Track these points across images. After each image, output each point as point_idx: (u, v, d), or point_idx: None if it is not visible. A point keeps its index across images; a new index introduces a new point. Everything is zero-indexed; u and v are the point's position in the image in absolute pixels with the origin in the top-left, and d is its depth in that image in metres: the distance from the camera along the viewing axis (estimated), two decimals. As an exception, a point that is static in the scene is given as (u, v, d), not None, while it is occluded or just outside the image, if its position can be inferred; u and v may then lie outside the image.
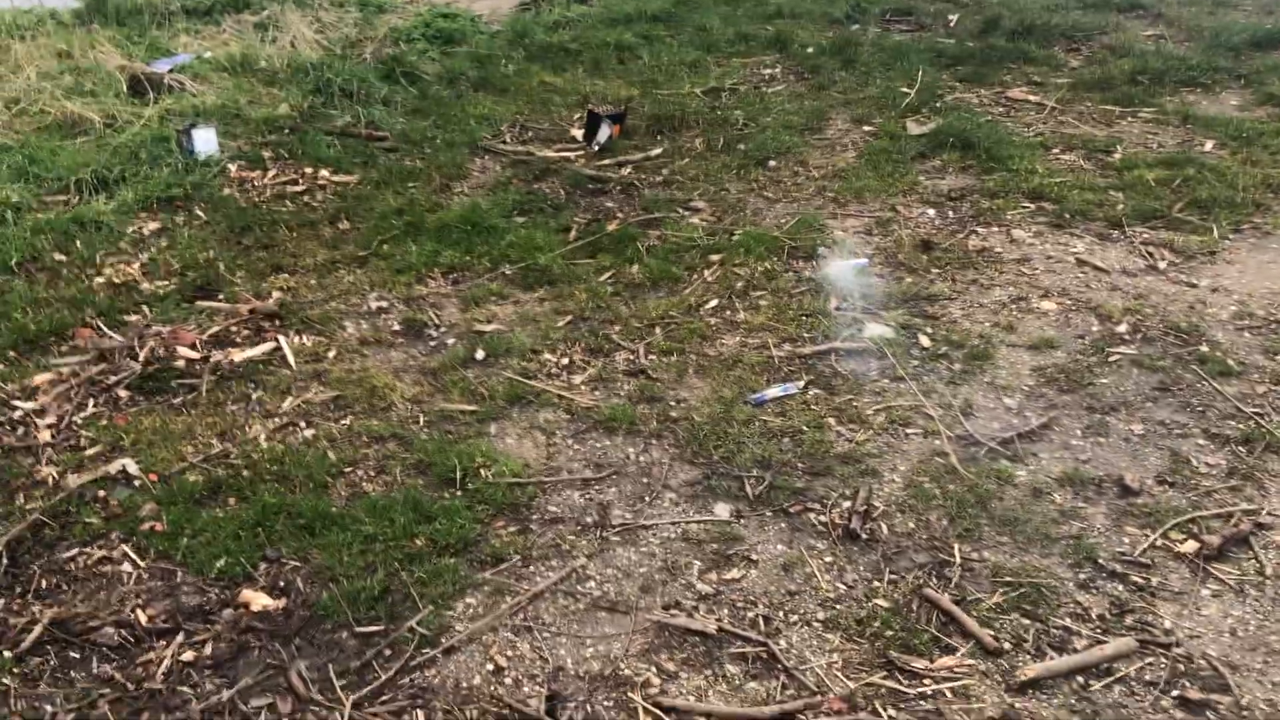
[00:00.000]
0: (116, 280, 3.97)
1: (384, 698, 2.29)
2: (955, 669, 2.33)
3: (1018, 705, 2.24)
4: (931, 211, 4.37)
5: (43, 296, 3.81)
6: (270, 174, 4.83)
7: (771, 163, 4.83)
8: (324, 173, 4.83)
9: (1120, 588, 2.53)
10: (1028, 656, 2.35)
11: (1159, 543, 2.66)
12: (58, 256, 4.13)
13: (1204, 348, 3.41)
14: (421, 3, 7.56)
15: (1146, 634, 2.40)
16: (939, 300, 3.73)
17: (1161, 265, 3.90)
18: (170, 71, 5.89)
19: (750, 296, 3.78)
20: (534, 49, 6.38)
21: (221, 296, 3.85)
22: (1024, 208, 4.34)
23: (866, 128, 5.20)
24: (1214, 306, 3.63)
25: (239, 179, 4.78)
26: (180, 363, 3.43)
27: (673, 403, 3.25)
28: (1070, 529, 2.71)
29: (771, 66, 6.03)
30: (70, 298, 3.81)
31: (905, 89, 5.53)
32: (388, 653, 2.40)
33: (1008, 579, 2.56)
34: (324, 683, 2.33)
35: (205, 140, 4.94)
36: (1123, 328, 3.52)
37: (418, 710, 2.27)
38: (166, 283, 3.95)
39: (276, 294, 3.86)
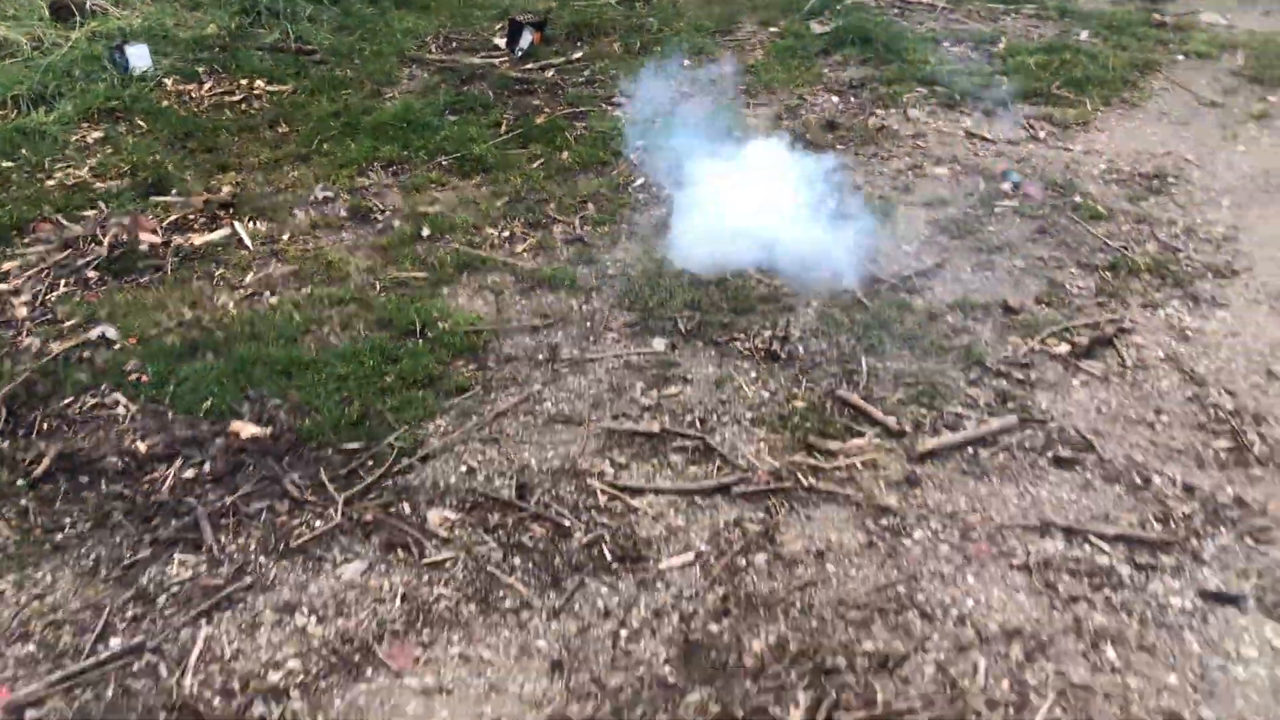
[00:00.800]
0: (68, 182, 4.14)
1: (371, 496, 2.60)
2: (864, 448, 2.72)
3: (918, 471, 2.64)
4: (835, 98, 4.73)
5: (-3, 197, 3.98)
6: (206, 86, 5.00)
7: (685, 62, 5.14)
8: (259, 83, 5.01)
9: (1004, 383, 2.94)
10: (926, 435, 2.75)
11: (1037, 347, 3.08)
12: (4, 164, 4.28)
13: (1077, 198, 3.83)
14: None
15: (1026, 414, 2.81)
16: (844, 170, 4.09)
17: (1041, 135, 4.33)
18: (90, -2, 5.95)
19: (674, 174, 4.10)
20: (451, -31, 6.56)
21: (175, 191, 4.06)
22: (918, 92, 4.73)
23: (773, 29, 5.53)
24: (1087, 165, 4.06)
25: (176, 92, 4.95)
26: (144, 247, 3.65)
27: (609, 263, 3.58)
28: (961, 341, 3.11)
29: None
30: (25, 197, 3.98)
31: (807, -8, 5.87)
32: (370, 463, 2.70)
33: (908, 381, 2.95)
34: (316, 487, 2.62)
35: (139, 55, 5.08)
36: (1006, 185, 3.94)
37: (403, 503, 2.58)
38: (118, 182, 4.14)
39: (227, 189, 4.08)
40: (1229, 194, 3.82)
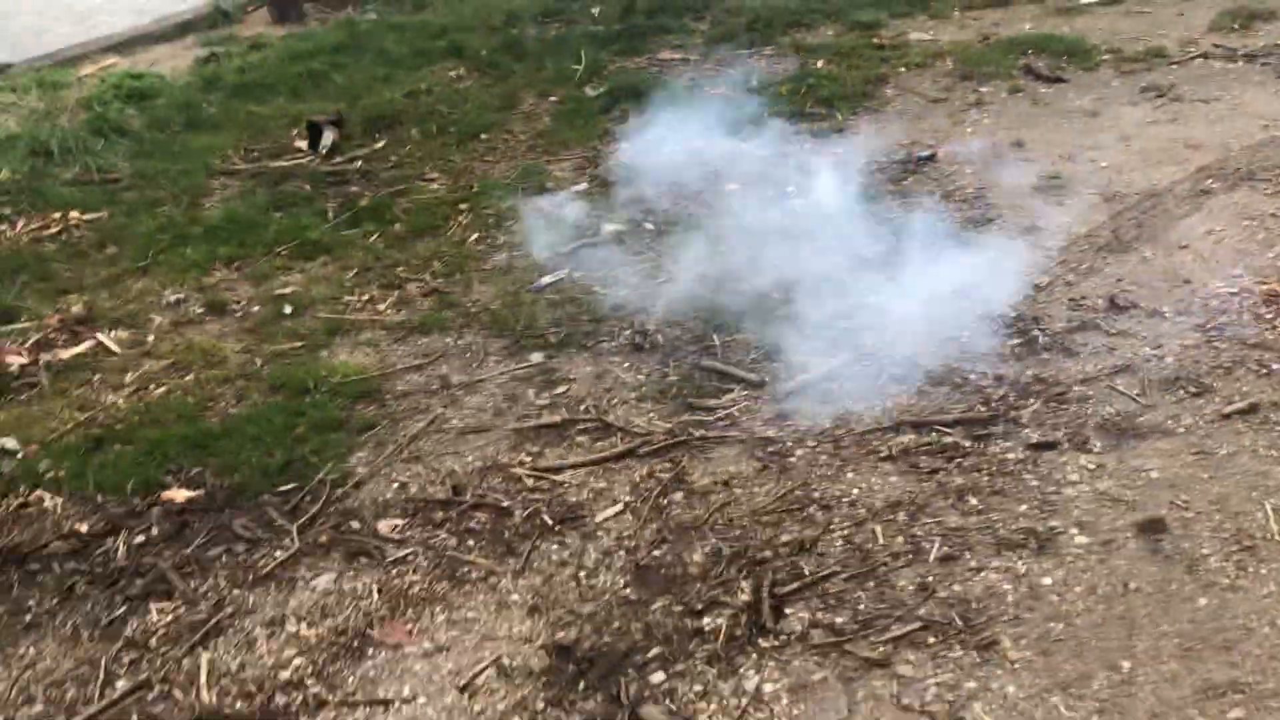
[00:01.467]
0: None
1: (320, 521, 2.85)
2: (736, 400, 3.18)
3: (786, 407, 3.12)
4: (625, 143, 5.28)
5: None
6: (20, 225, 5.05)
7: (483, 135, 5.59)
8: (74, 214, 5.09)
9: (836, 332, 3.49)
10: (783, 381, 3.24)
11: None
12: None
13: (849, 187, 4.50)
14: (96, 77, 7.72)
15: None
16: (649, 201, 4.62)
17: (810, 143, 5.00)
18: None
19: (504, 225, 4.52)
20: (229, 89, 6.79)
21: (25, 318, 4.14)
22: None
23: (553, 98, 6.06)
24: (854, 163, 4.75)
25: (-11, 235, 4.98)
26: (14, 369, 3.74)
27: (469, 304, 3.94)
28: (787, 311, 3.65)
29: (455, 69, 6.78)
30: None
31: (574, 66, 6.44)
32: (308, 498, 2.95)
33: (756, 344, 3.45)
34: (264, 525, 2.85)
35: (-61, 208, 5.08)
36: (792, 188, 4.57)
37: (351, 522, 2.85)
38: (-40, 320, 4.18)
39: (76, 307, 4.20)
40: (969, 164, 4.57)
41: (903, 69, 5.78)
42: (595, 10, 7.65)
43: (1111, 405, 2.97)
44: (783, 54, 6.33)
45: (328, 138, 5.61)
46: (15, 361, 3.78)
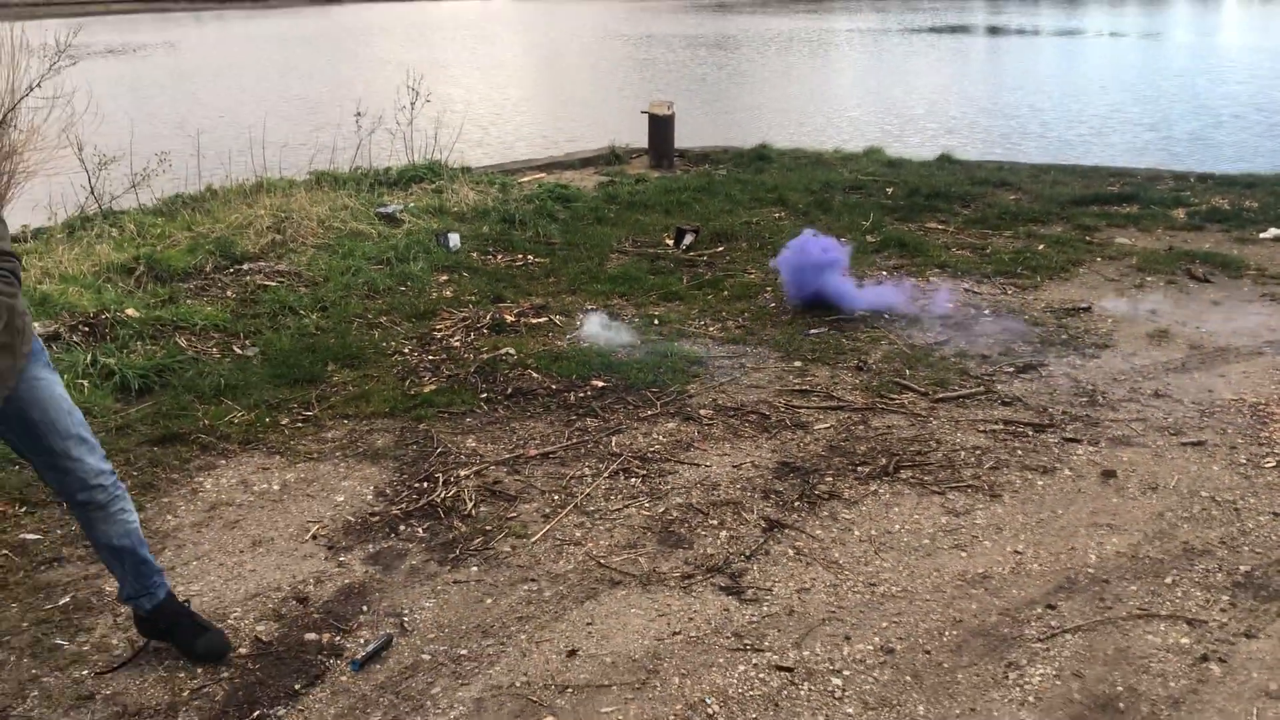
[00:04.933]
0: (446, 295, 7.22)
1: (667, 405, 5.45)
2: (908, 399, 5.55)
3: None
4: (884, 273, 7.78)
5: (385, 306, 7.04)
6: (499, 257, 8.18)
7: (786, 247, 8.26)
8: (529, 256, 8.19)
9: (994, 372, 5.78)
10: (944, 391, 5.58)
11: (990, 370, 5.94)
12: (400, 288, 7.38)
13: (1025, 316, 6.77)
14: (533, 183, 11.14)
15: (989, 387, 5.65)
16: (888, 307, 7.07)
17: (1009, 293, 7.32)
18: (396, 211, 9.30)
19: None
20: (623, 204, 9.91)
21: (508, 302, 7.11)
22: (934, 270, 7.78)
23: (842, 239, 8.69)
24: (1033, 304, 7.01)
25: (480, 260, 8.12)
26: (509, 319, 6.65)
27: (763, 336, 6.51)
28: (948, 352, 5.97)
29: (778, 212, 9.59)
30: (424, 302, 7.03)
31: (863, 221, 9.09)
32: (663, 395, 5.56)
33: (949, 362, 5.81)
34: (642, 401, 5.47)
35: (454, 240, 8.31)
36: (987, 312, 6.89)
37: (685, 408, 5.42)
38: (472, 297, 7.20)
39: (537, 300, 7.14)
40: (1110, 317, 6.74)
41: (1099, 259, 8.00)
42: (889, 190, 10.33)
43: (1119, 432, 5.11)
44: (1016, 238, 8.69)
45: (687, 239, 8.48)
46: (507, 318, 6.70)
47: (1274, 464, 4.71)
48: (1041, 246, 8.33)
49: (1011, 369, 5.87)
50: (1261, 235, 8.46)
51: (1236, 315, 6.67)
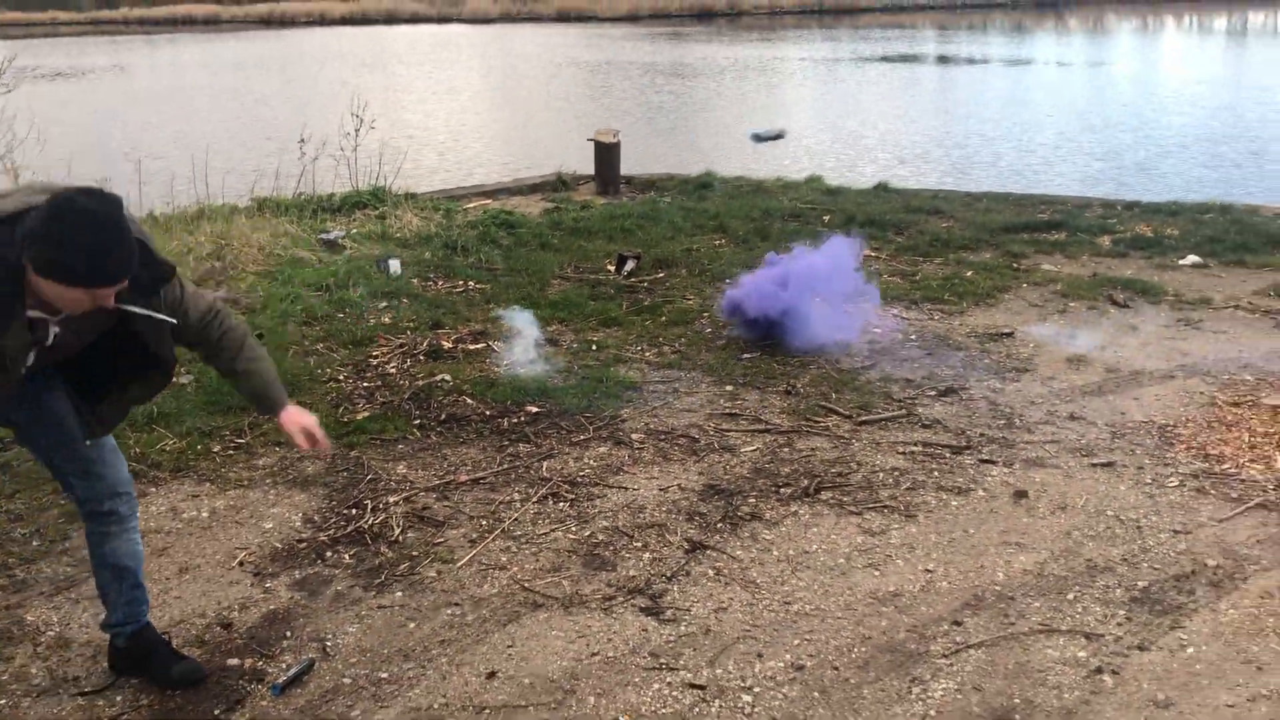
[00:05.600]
0: (385, 321, 7.28)
1: (600, 430, 5.55)
2: (835, 421, 5.69)
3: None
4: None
5: (322, 332, 7.10)
6: (439, 284, 8.26)
7: (728, 279, 8.42)
8: (471, 283, 8.28)
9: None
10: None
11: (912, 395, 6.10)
12: (339, 315, 7.43)
13: (949, 341, 6.96)
14: (478, 209, 11.23)
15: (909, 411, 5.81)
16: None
17: (936, 318, 7.51)
18: (338, 238, 9.35)
19: (730, 326, 7.25)
20: (567, 230, 10.03)
21: (447, 328, 7.19)
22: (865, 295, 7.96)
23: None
24: (959, 329, 7.21)
25: (422, 286, 8.20)
26: (446, 346, 6.73)
27: (698, 361, 6.65)
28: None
29: (719, 240, 9.76)
30: (362, 328, 7.10)
31: (800, 249, 9.26)
32: (596, 419, 5.66)
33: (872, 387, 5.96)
34: (575, 427, 5.57)
35: (395, 266, 8.38)
36: (914, 337, 7.07)
37: (617, 432, 5.52)
38: (410, 324, 7.27)
39: (475, 326, 7.22)
40: (1032, 341, 6.95)
41: (1024, 285, 8.23)
42: (826, 218, 10.54)
43: (1033, 454, 5.28)
44: (946, 265, 8.91)
45: (629, 265, 8.61)
46: (445, 344, 6.78)
47: (1177, 483, 4.90)
48: (970, 273, 8.55)
49: (933, 392, 6.04)
50: (1181, 262, 8.74)
51: (1152, 340, 6.90)
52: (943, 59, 37.15)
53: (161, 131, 21.09)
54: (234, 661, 3.68)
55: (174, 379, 6.08)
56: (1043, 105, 23.32)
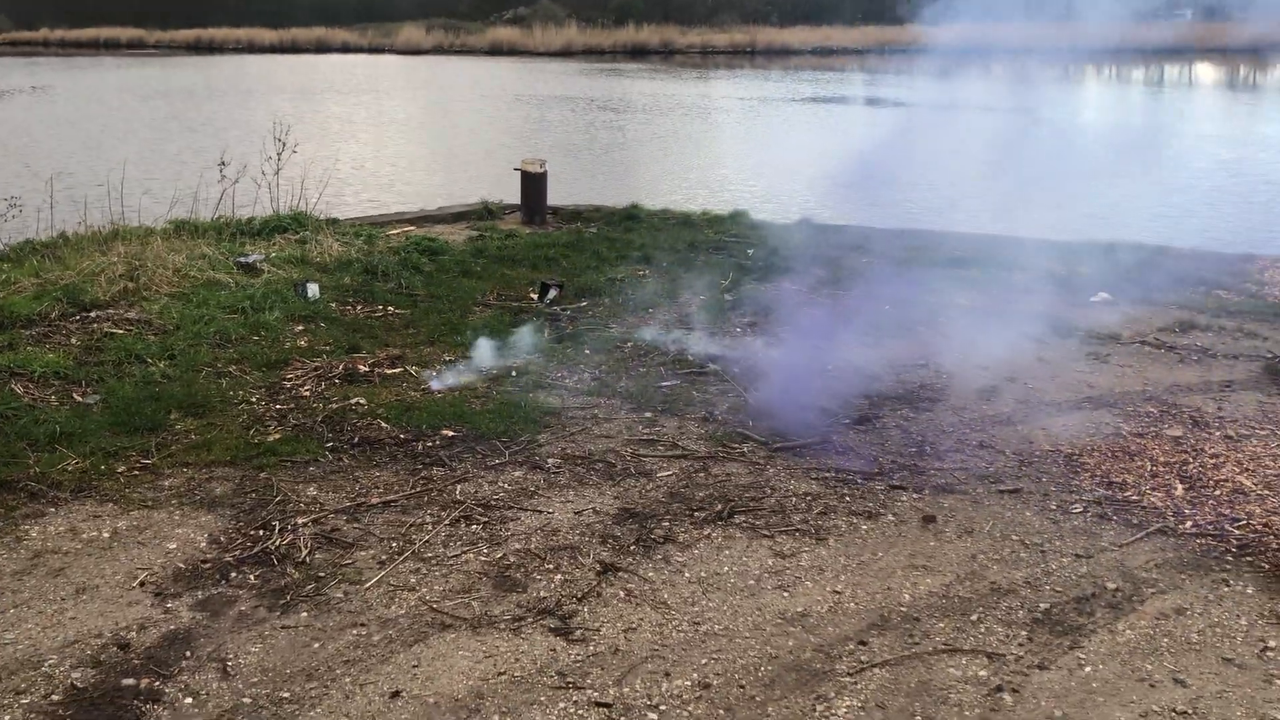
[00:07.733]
0: (300, 345, 7.18)
1: (518, 455, 5.53)
2: (750, 447, 5.74)
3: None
4: (738, 329, 8.03)
5: (236, 355, 6.99)
6: (358, 308, 8.18)
7: (650, 309, 8.47)
8: (390, 307, 8.21)
9: (817, 431, 6.02)
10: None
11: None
12: (254, 337, 7.32)
13: (867, 372, 7.07)
14: (401, 235, 11.17)
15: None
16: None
17: (854, 349, 7.62)
18: (256, 261, 9.23)
19: (651, 355, 7.28)
20: (491, 258, 10.02)
21: (364, 352, 7.12)
22: (785, 328, 8.06)
23: (701, 297, 8.95)
24: (875, 363, 7.33)
25: (341, 310, 8.11)
26: (362, 370, 6.66)
27: (619, 389, 6.66)
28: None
29: (643, 270, 9.82)
30: (276, 351, 7.00)
31: (722, 281, 9.37)
32: (514, 444, 5.64)
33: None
34: (491, 451, 5.54)
35: (313, 290, 8.28)
36: (829, 368, 7.18)
37: (534, 457, 5.50)
38: (327, 347, 7.18)
39: (393, 351, 7.16)
40: (947, 375, 7.09)
41: (940, 320, 8.40)
42: (749, 251, 10.67)
43: (943, 480, 5.37)
44: (865, 298, 9.06)
45: (552, 293, 8.62)
46: (361, 368, 6.71)
47: (1081, 509, 5.02)
48: (887, 307, 8.70)
49: (848, 420, 6.13)
50: (1091, 299, 9.00)
51: (1061, 373, 7.09)
52: (871, 100, 37.93)
53: (79, 153, 20.65)
54: (129, 682, 3.58)
55: (80, 399, 5.95)
56: (978, 149, 23.84)
